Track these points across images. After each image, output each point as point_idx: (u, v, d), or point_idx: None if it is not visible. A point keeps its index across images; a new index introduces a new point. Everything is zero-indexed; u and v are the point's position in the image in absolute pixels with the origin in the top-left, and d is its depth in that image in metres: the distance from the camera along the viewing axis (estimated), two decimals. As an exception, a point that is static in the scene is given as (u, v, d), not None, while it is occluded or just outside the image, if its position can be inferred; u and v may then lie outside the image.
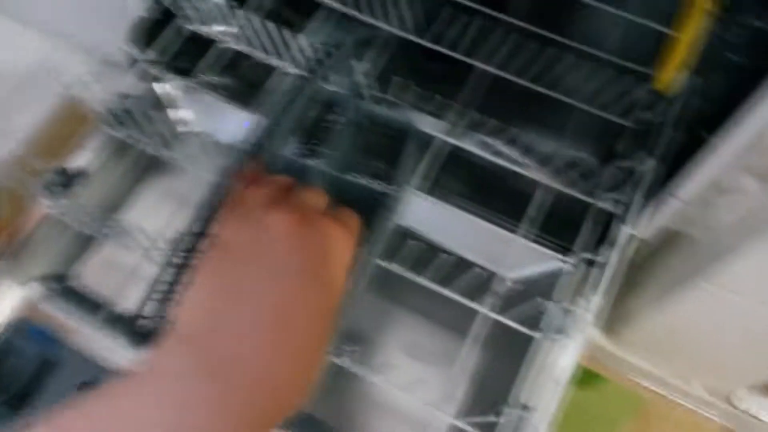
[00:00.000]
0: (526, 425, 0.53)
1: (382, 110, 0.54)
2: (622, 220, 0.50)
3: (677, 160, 0.50)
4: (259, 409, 0.24)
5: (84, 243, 0.66)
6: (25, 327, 0.63)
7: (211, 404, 0.23)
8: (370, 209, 0.52)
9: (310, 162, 0.51)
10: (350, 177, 0.51)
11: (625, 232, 0.49)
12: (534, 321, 0.54)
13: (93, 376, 0.61)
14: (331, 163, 0.47)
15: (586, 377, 0.67)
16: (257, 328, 0.26)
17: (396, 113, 0.55)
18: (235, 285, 0.27)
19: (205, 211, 0.46)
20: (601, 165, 0.55)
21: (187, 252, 0.46)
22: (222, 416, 0.23)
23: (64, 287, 0.62)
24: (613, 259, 0.49)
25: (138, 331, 0.44)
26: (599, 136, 0.60)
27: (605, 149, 0.59)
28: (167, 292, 0.47)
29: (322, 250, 0.28)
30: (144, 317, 0.45)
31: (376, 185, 0.51)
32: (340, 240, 0.29)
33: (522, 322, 0.54)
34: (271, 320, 0.26)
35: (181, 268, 0.46)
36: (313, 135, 0.57)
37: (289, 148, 0.56)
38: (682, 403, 0.66)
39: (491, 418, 0.52)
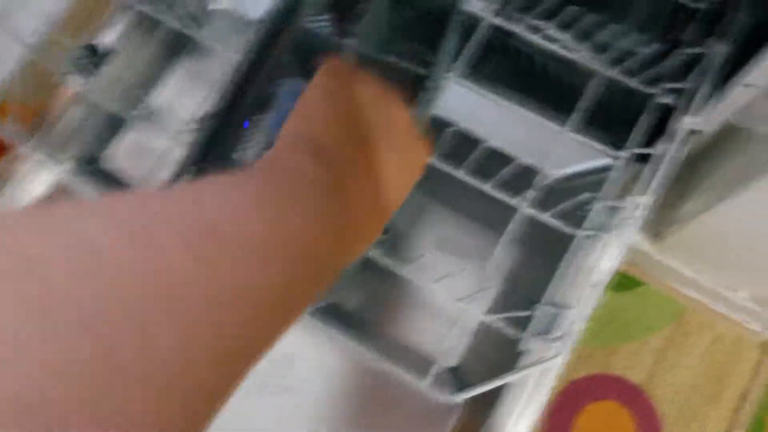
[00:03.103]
0: (560, 323, 0.52)
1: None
2: (685, 111, 0.46)
3: (750, 46, 0.45)
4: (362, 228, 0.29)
5: (114, 125, 0.64)
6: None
7: (327, 217, 0.25)
8: (407, 95, 0.49)
9: (345, 41, 0.48)
10: (389, 58, 0.48)
11: (686, 124, 0.45)
12: (576, 219, 0.52)
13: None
14: (366, 42, 0.43)
15: (623, 281, 0.65)
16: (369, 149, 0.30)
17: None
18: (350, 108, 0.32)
19: (227, 91, 0.44)
20: (665, 53, 0.51)
21: (211, 132, 0.45)
22: (328, 230, 0.25)
23: (95, 169, 0.61)
24: (671, 153, 0.45)
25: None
26: (662, 21, 0.54)
27: (668, 36, 0.54)
28: (196, 172, 0.45)
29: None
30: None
31: (416, 69, 0.47)
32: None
33: (562, 220, 0.51)
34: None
35: (205, 145, 0.45)
36: (348, 12, 0.53)
37: (322, 26, 0.53)
38: (725, 313, 0.64)
39: (523, 313, 0.51)
